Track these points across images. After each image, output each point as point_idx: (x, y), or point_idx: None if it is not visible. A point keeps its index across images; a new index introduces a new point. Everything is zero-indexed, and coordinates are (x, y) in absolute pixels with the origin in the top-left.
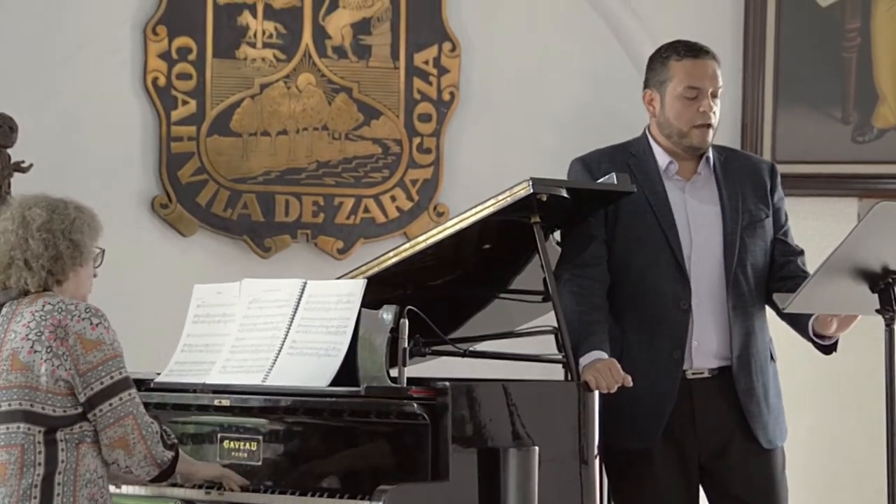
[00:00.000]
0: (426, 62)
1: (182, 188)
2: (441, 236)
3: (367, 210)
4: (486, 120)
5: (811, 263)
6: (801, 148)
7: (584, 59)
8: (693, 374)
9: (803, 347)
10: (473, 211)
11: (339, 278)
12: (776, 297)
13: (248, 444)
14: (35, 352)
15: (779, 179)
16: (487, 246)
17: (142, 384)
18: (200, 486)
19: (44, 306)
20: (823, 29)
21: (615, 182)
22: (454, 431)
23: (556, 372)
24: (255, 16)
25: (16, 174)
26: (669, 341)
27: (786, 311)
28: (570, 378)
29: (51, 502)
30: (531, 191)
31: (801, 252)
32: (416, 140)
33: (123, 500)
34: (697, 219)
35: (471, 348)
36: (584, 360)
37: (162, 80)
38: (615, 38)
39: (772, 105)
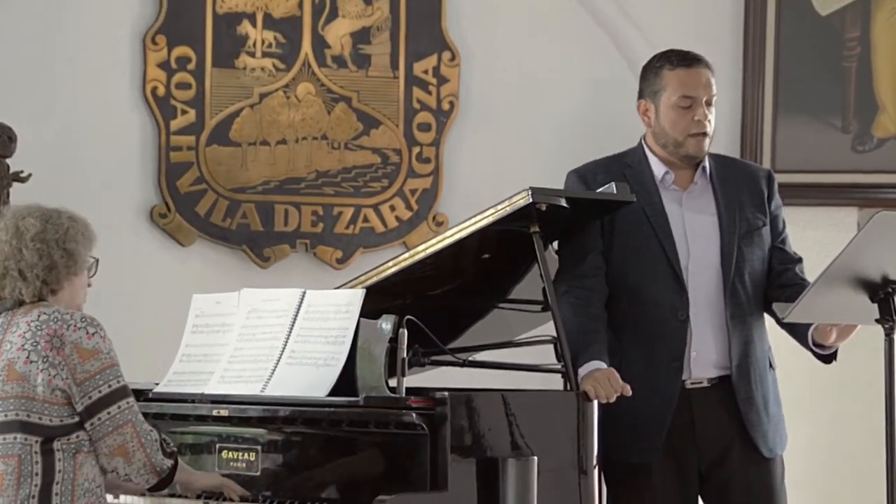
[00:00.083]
0: (425, 71)
1: (181, 198)
2: (440, 246)
3: (366, 220)
4: (486, 129)
5: (811, 273)
6: (800, 157)
7: (583, 69)
8: (692, 383)
9: (802, 356)
10: (472, 221)
11: (338, 288)
12: (776, 306)
13: (246, 454)
14: (31, 362)
15: (776, 187)
16: (486, 256)
17: (140, 394)
18: (199, 496)
19: (39, 316)
20: (823, 38)
21: (614, 192)
22: (453, 441)
23: (556, 382)
24: (254, 25)
25: (15, 184)
26: (668, 352)
27: (785, 320)
28: (569, 388)
29: None
30: (530, 200)
31: (800, 260)
32: (416, 149)
33: None
34: (694, 228)
35: (470, 358)
36: (582, 371)
37: (161, 90)
38: (615, 47)
39: (771, 114)
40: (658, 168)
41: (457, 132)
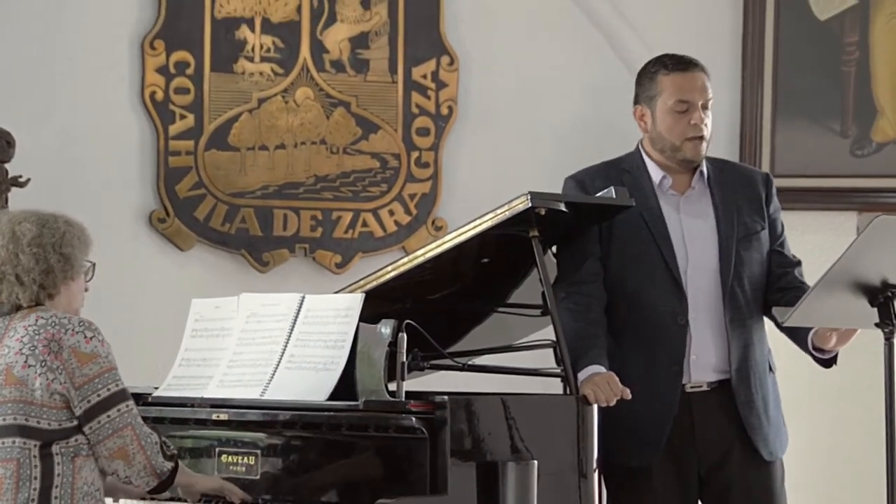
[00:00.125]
0: (424, 76)
1: (180, 202)
2: (439, 250)
3: (365, 224)
4: (485, 134)
5: (810, 278)
6: (799, 162)
7: (582, 73)
8: (692, 387)
9: (802, 359)
10: (472, 225)
11: (337, 292)
12: (775, 310)
13: (246, 458)
14: (29, 366)
15: (774, 190)
16: (486, 260)
17: (140, 398)
18: (199, 500)
19: (37, 321)
20: (822, 42)
21: (614, 196)
22: (453, 445)
23: (555, 386)
24: (252, 30)
25: (13, 189)
26: (668, 356)
27: (785, 324)
28: (568, 392)
29: None
30: (530, 205)
31: (799, 262)
32: (415, 154)
33: None
34: (692, 233)
35: (469, 362)
36: (582, 375)
37: (160, 95)
38: (613, 51)
39: (770, 118)
40: (656, 173)
41: (456, 136)
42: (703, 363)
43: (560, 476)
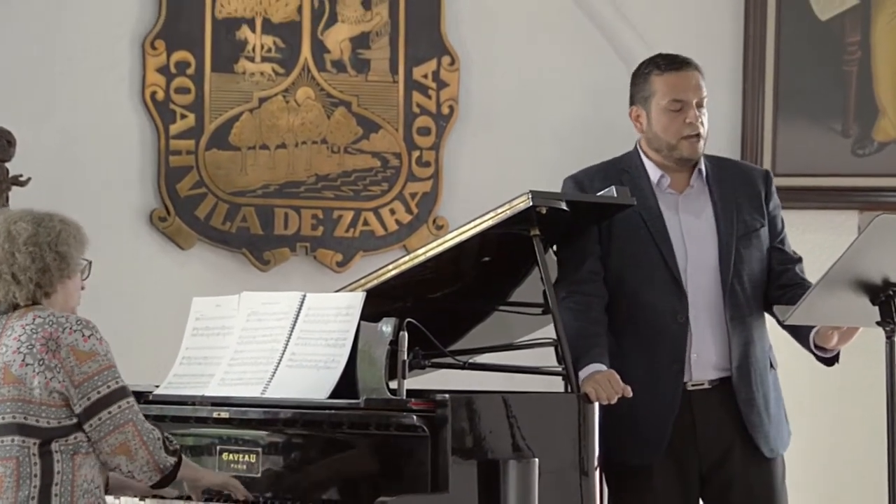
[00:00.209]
0: (425, 76)
1: (181, 201)
2: (440, 249)
3: (366, 223)
4: (486, 133)
5: (812, 277)
6: (801, 161)
7: (583, 72)
8: (693, 385)
9: (803, 358)
10: (473, 224)
11: (338, 291)
12: (777, 309)
13: (247, 456)
14: (27, 364)
15: (773, 187)
16: (487, 259)
17: (140, 396)
18: (202, 496)
19: (34, 319)
20: (823, 42)
21: (615, 195)
22: (454, 443)
23: (556, 384)
24: (253, 30)
25: (14, 188)
26: (668, 354)
27: (786, 323)
28: (570, 390)
29: None
30: (530, 203)
31: (799, 259)
32: (416, 153)
33: None
34: (691, 231)
35: (470, 360)
36: (583, 373)
37: (160, 94)
38: (614, 52)
39: (772, 118)
40: (654, 172)
41: (456, 136)
42: (704, 361)
43: (561, 474)
